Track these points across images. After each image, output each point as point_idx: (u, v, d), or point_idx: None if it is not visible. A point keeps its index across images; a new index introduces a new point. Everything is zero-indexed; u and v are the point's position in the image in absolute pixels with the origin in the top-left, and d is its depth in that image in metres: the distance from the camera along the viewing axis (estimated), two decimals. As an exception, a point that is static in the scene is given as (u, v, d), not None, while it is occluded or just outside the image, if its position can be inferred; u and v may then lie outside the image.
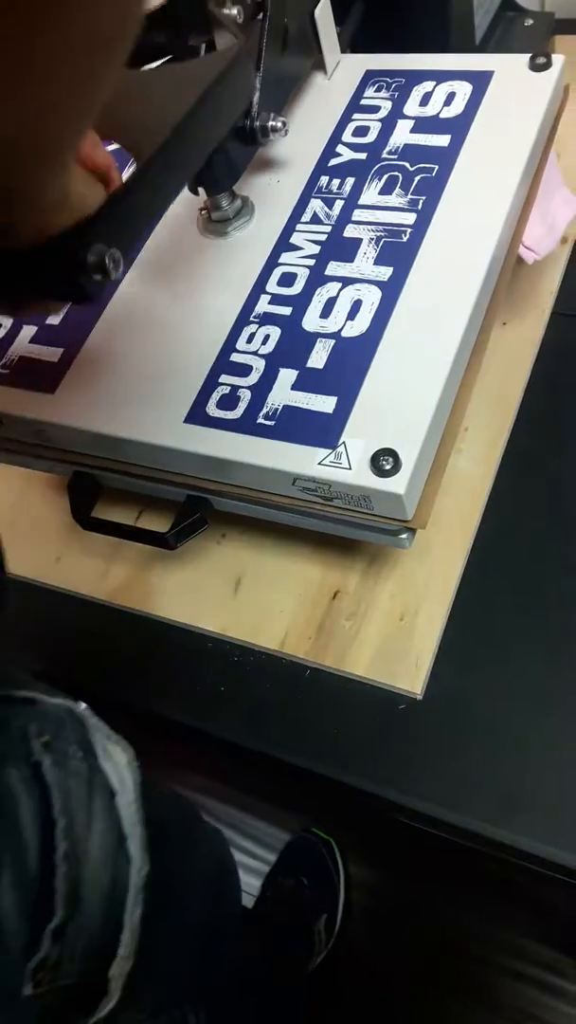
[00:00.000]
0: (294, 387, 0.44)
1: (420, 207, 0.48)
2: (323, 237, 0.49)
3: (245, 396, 0.44)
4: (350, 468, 0.41)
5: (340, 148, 0.53)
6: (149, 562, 0.56)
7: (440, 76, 0.54)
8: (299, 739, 0.49)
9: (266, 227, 0.51)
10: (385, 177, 0.51)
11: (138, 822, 0.40)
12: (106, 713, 0.44)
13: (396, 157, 0.51)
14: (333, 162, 0.53)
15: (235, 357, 0.46)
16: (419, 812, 0.46)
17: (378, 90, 0.55)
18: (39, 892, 0.34)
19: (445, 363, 0.43)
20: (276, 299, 0.48)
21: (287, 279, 0.48)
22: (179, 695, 0.52)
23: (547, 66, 0.52)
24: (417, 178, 0.50)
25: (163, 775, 1.16)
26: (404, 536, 0.44)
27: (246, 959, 0.81)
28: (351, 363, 0.44)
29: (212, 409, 0.45)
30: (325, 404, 0.43)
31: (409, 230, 0.48)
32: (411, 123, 0.52)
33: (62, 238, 0.32)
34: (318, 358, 0.45)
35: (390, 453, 0.40)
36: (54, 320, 0.51)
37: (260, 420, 0.43)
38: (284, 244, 0.50)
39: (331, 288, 0.47)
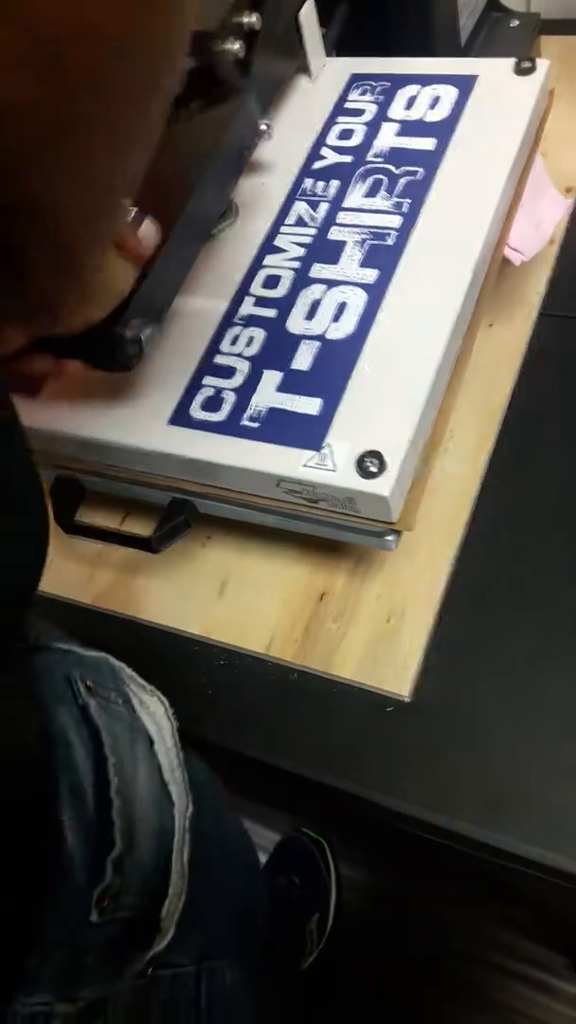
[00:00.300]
0: (279, 389, 0.44)
1: (405, 210, 0.48)
2: (308, 239, 0.49)
3: (229, 398, 0.44)
4: (335, 470, 0.41)
5: (325, 151, 0.53)
6: (134, 566, 0.56)
7: (425, 80, 0.54)
8: (286, 742, 0.49)
9: (251, 229, 0.51)
10: (370, 180, 0.51)
11: (178, 767, 0.42)
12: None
13: (381, 160, 0.51)
14: (318, 165, 0.53)
15: (219, 359, 0.46)
16: (406, 815, 0.46)
17: (363, 93, 0.55)
18: (98, 824, 0.35)
19: (431, 365, 0.43)
20: (261, 301, 0.47)
21: (272, 281, 0.48)
22: (165, 699, 0.52)
23: (532, 70, 0.52)
24: (402, 181, 0.50)
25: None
26: (390, 538, 0.44)
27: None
28: (336, 365, 0.44)
29: (196, 411, 0.44)
30: (310, 406, 0.43)
31: (394, 233, 0.48)
32: (396, 126, 0.53)
33: (105, 319, 0.36)
34: (303, 360, 0.44)
35: (375, 455, 0.40)
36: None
37: (245, 422, 0.43)
38: (269, 246, 0.50)
39: (316, 290, 0.47)
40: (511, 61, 0.53)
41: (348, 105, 0.55)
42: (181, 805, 0.41)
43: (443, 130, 0.51)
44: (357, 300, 0.46)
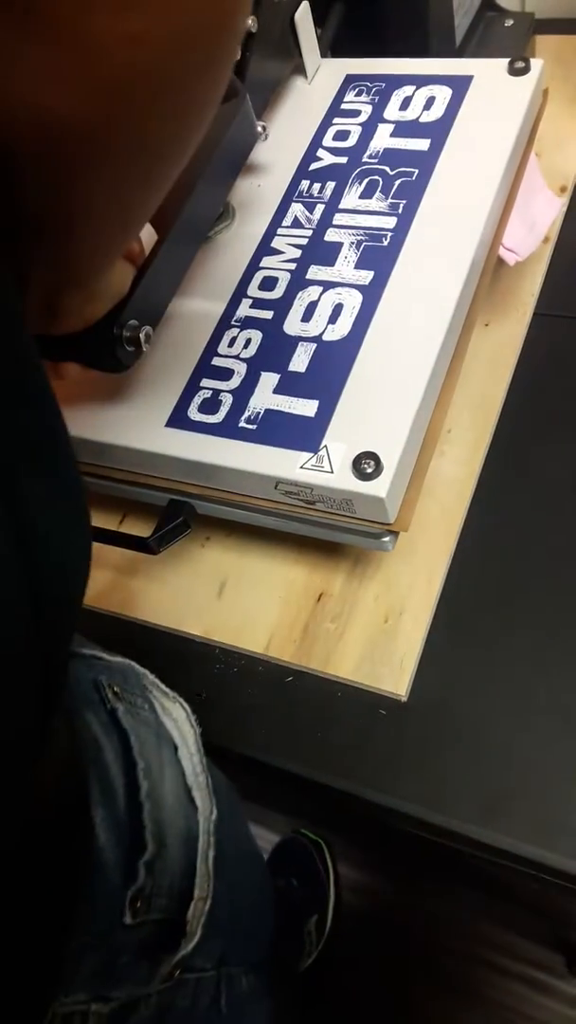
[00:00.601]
0: (276, 391, 0.44)
1: (400, 211, 0.49)
2: (304, 241, 0.49)
3: (227, 400, 0.44)
4: (332, 471, 0.41)
5: (321, 152, 0.53)
6: (133, 567, 0.56)
7: (420, 80, 0.54)
8: (284, 742, 0.49)
9: (247, 231, 0.51)
10: (366, 181, 0.51)
11: (202, 771, 0.42)
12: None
13: (376, 161, 0.51)
14: (314, 166, 0.53)
15: (216, 361, 0.46)
16: (404, 814, 0.46)
17: (358, 94, 0.55)
18: (129, 827, 0.36)
19: (426, 365, 0.43)
20: (257, 303, 0.48)
21: (268, 283, 0.48)
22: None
23: (526, 70, 0.52)
24: (397, 182, 0.50)
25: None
26: (387, 539, 0.44)
27: None
28: (333, 366, 0.44)
29: (194, 413, 0.45)
30: (307, 408, 0.43)
31: (390, 234, 0.48)
32: (391, 127, 0.53)
33: (102, 320, 0.37)
34: (300, 362, 0.45)
35: (372, 456, 0.40)
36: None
37: (242, 424, 0.43)
38: (265, 248, 0.50)
39: (312, 292, 0.47)
40: (505, 61, 0.53)
41: (344, 106, 0.55)
42: (205, 810, 0.41)
43: (438, 131, 0.51)
44: (353, 302, 0.46)
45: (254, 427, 0.43)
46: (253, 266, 0.49)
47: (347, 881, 1.06)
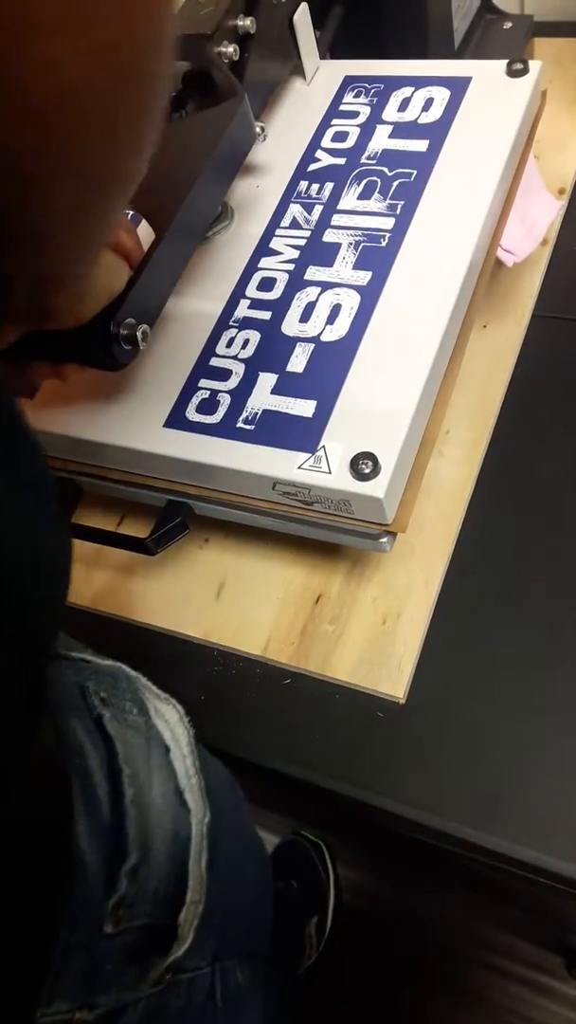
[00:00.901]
0: (274, 391, 0.44)
1: (398, 212, 0.49)
2: (302, 242, 0.49)
3: (225, 400, 0.44)
4: (330, 472, 0.41)
5: (319, 153, 0.53)
6: (131, 568, 0.56)
7: (419, 82, 0.54)
8: (282, 744, 0.49)
9: (245, 232, 0.51)
10: (364, 182, 0.51)
11: (195, 774, 0.42)
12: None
13: (375, 162, 0.51)
14: (312, 167, 0.53)
15: (215, 361, 0.46)
16: (401, 816, 0.46)
17: (357, 96, 0.55)
18: (112, 835, 0.35)
19: (424, 366, 0.43)
20: (256, 303, 0.48)
21: (267, 284, 0.48)
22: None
23: (524, 72, 0.52)
24: (396, 183, 0.50)
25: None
26: (384, 540, 0.44)
27: None
28: (330, 367, 0.44)
29: (192, 413, 0.45)
30: (305, 408, 0.43)
31: (388, 235, 0.48)
32: (390, 128, 0.53)
33: (98, 317, 0.37)
34: (298, 362, 0.45)
35: (369, 456, 0.40)
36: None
37: (240, 424, 0.43)
38: (264, 249, 0.50)
39: (310, 292, 0.47)
40: (503, 63, 0.53)
41: (342, 107, 0.55)
42: (198, 812, 0.41)
43: (436, 132, 0.51)
44: (351, 302, 0.46)
45: (252, 427, 0.43)
46: (251, 267, 0.49)
47: (346, 882, 1.05)
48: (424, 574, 0.51)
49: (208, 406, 0.44)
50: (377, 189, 0.50)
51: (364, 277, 0.47)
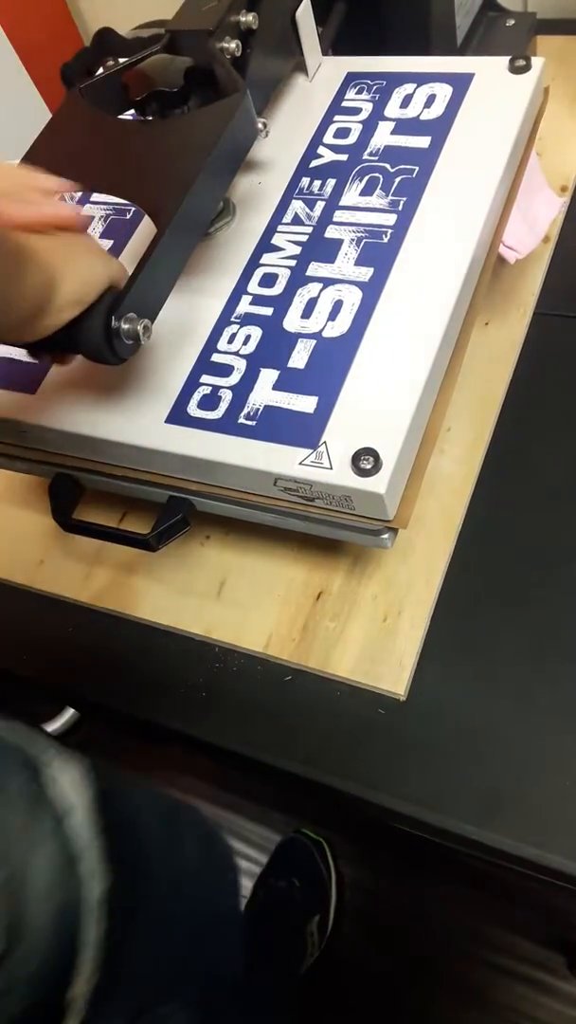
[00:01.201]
0: (275, 387, 0.44)
1: (400, 208, 0.48)
2: (304, 238, 0.49)
3: (226, 396, 0.44)
4: (331, 468, 0.41)
5: (321, 150, 0.53)
6: (132, 564, 0.56)
7: (421, 78, 0.54)
8: (283, 741, 0.49)
9: (247, 228, 0.51)
10: (366, 178, 0.51)
11: (94, 837, 0.40)
12: (92, 716, 0.44)
13: (377, 159, 0.51)
14: (314, 163, 0.53)
15: (216, 357, 0.46)
16: (402, 813, 0.46)
17: (359, 92, 0.55)
18: None
19: (425, 363, 0.43)
20: (257, 300, 0.48)
21: (268, 280, 0.48)
22: (163, 698, 0.52)
23: (527, 68, 0.52)
24: (398, 179, 0.50)
25: (149, 777, 1.16)
26: (386, 536, 0.44)
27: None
28: (332, 363, 0.44)
29: (193, 409, 0.44)
30: (306, 404, 0.43)
31: (390, 231, 0.48)
32: (392, 125, 0.53)
33: (100, 311, 0.37)
34: (299, 358, 0.45)
35: (371, 452, 0.40)
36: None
37: (241, 420, 0.43)
38: (265, 245, 0.50)
39: (312, 289, 0.47)
40: (506, 59, 0.53)
41: (345, 104, 0.55)
42: (95, 880, 0.39)
43: (438, 128, 0.51)
44: (353, 298, 0.46)
45: (253, 423, 0.43)
46: (253, 263, 0.49)
47: (347, 880, 1.05)
48: (425, 572, 0.51)
49: (210, 402, 0.44)
50: (379, 185, 0.50)
51: (366, 273, 0.46)
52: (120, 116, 0.49)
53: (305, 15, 0.54)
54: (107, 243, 0.54)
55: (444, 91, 0.53)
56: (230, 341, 0.46)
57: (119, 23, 0.63)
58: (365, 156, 0.52)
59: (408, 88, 0.54)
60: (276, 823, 1.12)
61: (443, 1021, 0.96)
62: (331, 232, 0.49)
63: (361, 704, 0.49)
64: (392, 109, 0.53)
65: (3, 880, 0.35)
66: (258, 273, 0.49)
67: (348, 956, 1.02)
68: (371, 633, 0.50)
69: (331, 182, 0.51)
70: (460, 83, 0.53)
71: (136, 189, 0.43)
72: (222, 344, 0.46)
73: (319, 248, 0.48)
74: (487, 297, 0.51)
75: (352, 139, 0.53)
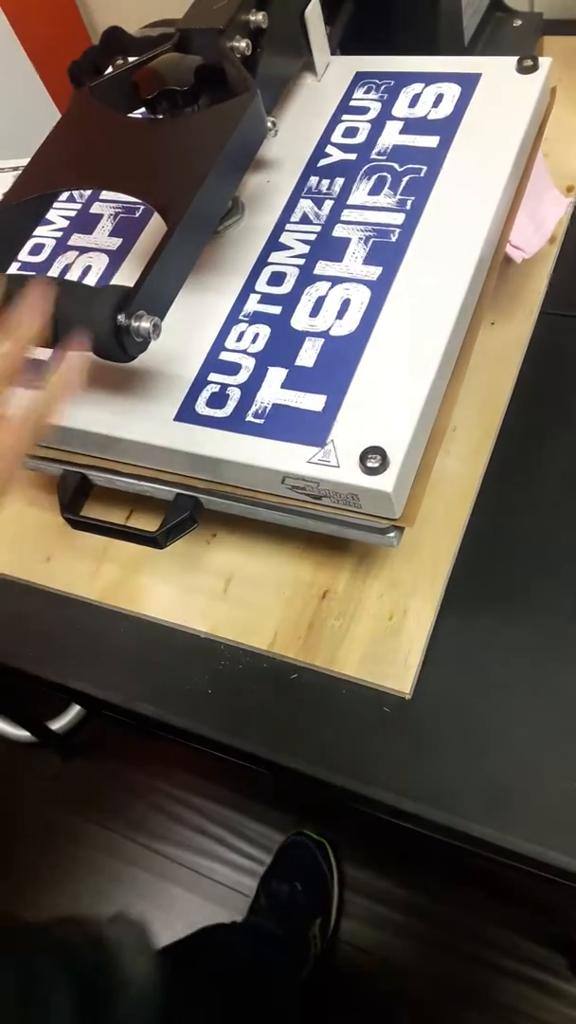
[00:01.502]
0: (283, 385, 0.44)
1: (408, 207, 0.49)
2: (312, 237, 0.49)
3: (234, 394, 0.45)
4: (338, 466, 0.41)
5: (330, 149, 0.53)
6: (139, 562, 0.56)
7: (429, 78, 0.54)
8: (288, 738, 0.49)
9: (256, 227, 0.51)
10: (374, 178, 0.51)
11: None
12: (97, 714, 0.44)
13: (385, 158, 0.51)
14: (323, 162, 0.53)
15: (224, 356, 0.46)
16: (408, 812, 0.46)
17: (368, 91, 0.55)
18: None
19: (432, 362, 0.43)
20: (266, 298, 0.48)
21: (277, 278, 0.48)
22: (169, 695, 0.52)
23: (534, 68, 0.52)
24: (406, 179, 0.50)
25: (149, 782, 1.17)
26: (392, 534, 0.44)
27: (243, 967, 0.81)
28: (340, 362, 0.44)
29: (201, 407, 0.45)
30: (314, 402, 0.43)
31: (398, 230, 0.48)
32: (400, 124, 0.53)
33: (108, 308, 0.38)
34: (307, 357, 0.45)
35: (378, 451, 0.40)
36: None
37: (249, 418, 0.43)
38: (274, 243, 0.50)
39: (320, 287, 0.47)
40: (514, 59, 0.53)
41: (353, 103, 0.55)
42: None
43: (446, 128, 0.51)
44: (361, 297, 0.46)
45: (261, 421, 0.43)
46: (261, 261, 0.49)
47: (349, 880, 1.06)
48: (430, 571, 0.51)
49: (218, 400, 0.45)
50: (387, 185, 0.50)
51: (374, 272, 0.47)
52: (130, 114, 0.49)
53: (314, 14, 0.54)
54: (116, 241, 0.54)
55: (452, 91, 0.53)
56: (238, 339, 0.47)
57: (127, 22, 0.63)
58: (373, 155, 0.52)
59: (416, 88, 0.54)
60: (278, 821, 1.12)
61: (444, 1021, 0.97)
62: (339, 231, 0.49)
63: (366, 702, 0.49)
64: (400, 108, 0.53)
65: None
66: (266, 271, 0.49)
67: (347, 955, 1.02)
68: (376, 632, 0.50)
69: (339, 181, 0.51)
70: (468, 83, 0.53)
71: (146, 187, 0.43)
72: (230, 342, 0.47)
73: (327, 247, 0.49)
74: (493, 297, 0.51)
75: (360, 138, 0.53)
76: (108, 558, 0.57)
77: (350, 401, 0.43)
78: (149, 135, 0.46)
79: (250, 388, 0.44)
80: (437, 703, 0.48)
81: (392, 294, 0.45)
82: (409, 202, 0.49)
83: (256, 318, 0.47)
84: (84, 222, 0.56)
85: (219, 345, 0.47)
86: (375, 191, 0.50)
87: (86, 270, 0.53)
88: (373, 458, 0.40)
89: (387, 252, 0.47)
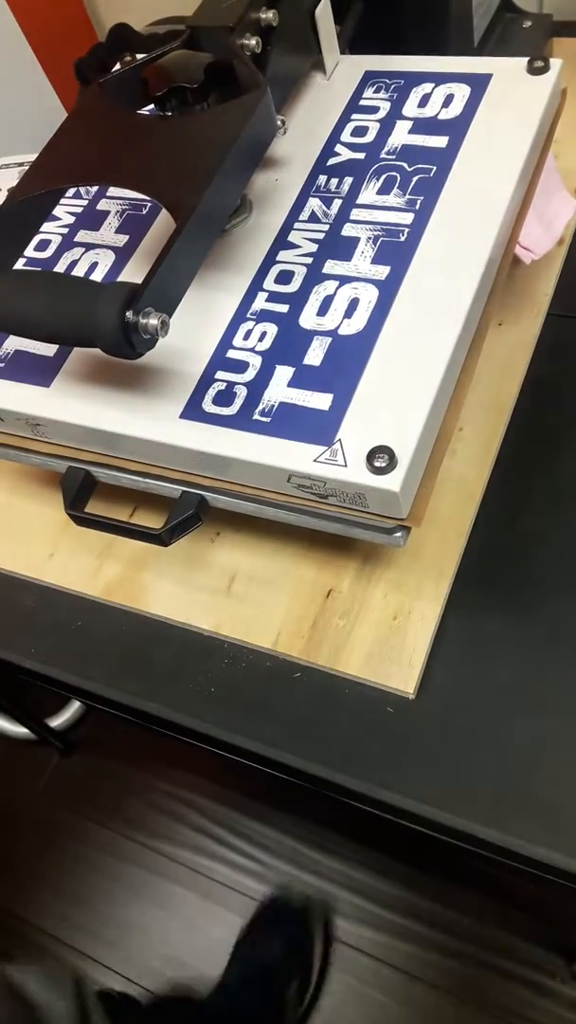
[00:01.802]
0: (290, 384, 0.44)
1: (417, 207, 0.48)
2: (321, 236, 0.49)
3: (241, 392, 0.44)
4: (345, 465, 0.41)
5: (339, 148, 0.53)
6: (143, 559, 0.56)
7: (439, 78, 0.54)
8: (291, 737, 0.49)
9: (264, 225, 0.51)
10: (383, 177, 0.51)
11: None
12: (98, 710, 0.44)
13: (394, 157, 0.51)
14: (332, 161, 0.53)
15: (232, 354, 0.46)
16: (410, 812, 0.46)
17: (377, 91, 0.55)
18: None
19: (441, 361, 0.43)
20: (273, 296, 0.48)
21: (285, 277, 0.48)
22: (171, 693, 0.52)
23: (545, 69, 0.52)
24: (415, 178, 0.50)
25: (148, 780, 1.17)
26: (399, 534, 0.44)
27: None
28: (347, 361, 0.44)
29: (208, 405, 0.45)
30: (321, 401, 0.43)
31: (406, 230, 0.48)
32: (410, 124, 0.53)
33: (115, 305, 0.38)
34: (315, 355, 0.45)
35: (385, 450, 0.40)
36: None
37: (256, 417, 0.43)
38: (282, 242, 0.50)
39: (328, 286, 0.47)
40: (524, 60, 0.53)
41: (362, 102, 0.55)
42: None
43: (456, 128, 0.51)
44: (369, 296, 0.46)
45: (268, 420, 0.43)
46: (269, 260, 0.49)
47: (348, 881, 1.06)
48: (435, 571, 0.51)
49: (225, 398, 0.44)
50: (396, 184, 0.50)
51: (382, 272, 0.46)
52: (139, 111, 0.49)
53: (324, 13, 0.54)
54: (123, 238, 0.54)
55: (462, 91, 0.53)
56: (246, 337, 0.46)
57: (133, 19, 0.63)
58: (383, 155, 0.52)
59: (426, 87, 0.54)
60: (280, 821, 1.12)
61: (440, 1021, 0.97)
62: (348, 230, 0.49)
63: (370, 702, 0.49)
64: (410, 108, 0.53)
65: None
66: (274, 270, 0.49)
67: (345, 955, 1.02)
68: (381, 631, 0.50)
69: (348, 180, 0.51)
70: (478, 83, 0.53)
71: (155, 184, 0.43)
72: (237, 340, 0.46)
73: (336, 246, 0.48)
74: (501, 298, 0.51)
75: (370, 137, 0.53)
76: (111, 555, 0.57)
77: (358, 400, 0.42)
78: (158, 132, 0.46)
79: (257, 386, 0.44)
80: (441, 704, 0.48)
81: (401, 294, 0.45)
82: (418, 202, 0.49)
83: (264, 316, 0.47)
84: (91, 218, 0.56)
85: (226, 343, 0.46)
86: (384, 190, 0.50)
87: (92, 266, 0.53)
88: (380, 457, 0.40)
89: (396, 252, 0.47)
